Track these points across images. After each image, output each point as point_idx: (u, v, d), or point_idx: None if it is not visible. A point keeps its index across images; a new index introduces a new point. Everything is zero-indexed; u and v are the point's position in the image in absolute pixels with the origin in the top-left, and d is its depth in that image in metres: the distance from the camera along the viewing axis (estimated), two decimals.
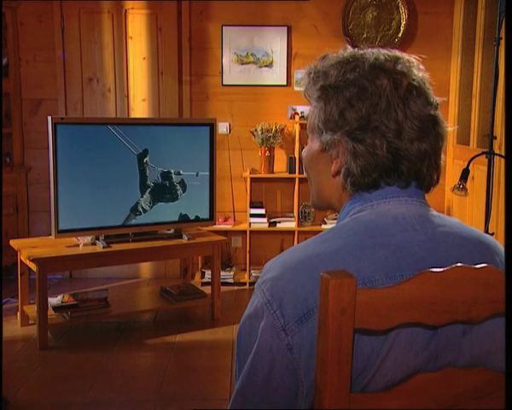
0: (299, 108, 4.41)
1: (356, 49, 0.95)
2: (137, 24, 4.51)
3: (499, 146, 3.47)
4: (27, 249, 3.42)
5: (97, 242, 3.54)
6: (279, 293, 0.82)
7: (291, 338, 0.81)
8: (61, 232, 3.44)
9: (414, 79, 0.90)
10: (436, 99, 0.93)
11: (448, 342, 0.83)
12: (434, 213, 0.93)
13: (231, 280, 4.45)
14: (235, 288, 4.44)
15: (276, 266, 0.86)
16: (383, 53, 0.93)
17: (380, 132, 0.88)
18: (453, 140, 4.41)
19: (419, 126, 0.88)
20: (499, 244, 0.95)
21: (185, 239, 3.74)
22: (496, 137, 3.42)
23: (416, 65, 0.93)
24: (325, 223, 4.54)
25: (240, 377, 0.86)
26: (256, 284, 0.87)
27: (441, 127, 0.92)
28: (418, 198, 0.93)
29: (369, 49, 0.94)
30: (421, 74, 0.93)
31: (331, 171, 0.94)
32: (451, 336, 0.83)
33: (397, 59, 0.92)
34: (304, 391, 0.82)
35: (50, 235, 3.50)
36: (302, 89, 0.99)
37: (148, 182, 3.67)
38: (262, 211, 4.49)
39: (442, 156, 0.95)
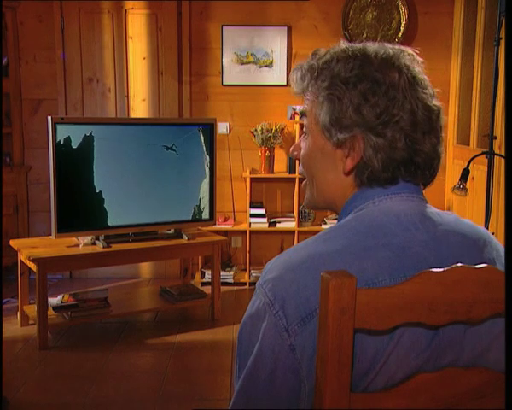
0: (299, 108, 4.41)
1: (351, 44, 0.94)
2: (137, 24, 4.50)
3: (499, 146, 3.47)
4: (27, 249, 3.42)
5: (97, 242, 3.54)
6: (281, 293, 0.81)
7: (294, 339, 0.80)
8: (61, 232, 3.44)
9: (417, 72, 0.91)
10: (434, 90, 0.94)
11: (450, 342, 0.83)
12: (433, 209, 0.93)
13: (231, 280, 4.45)
14: (235, 288, 4.44)
15: (278, 265, 0.85)
16: (387, 46, 0.93)
17: (399, 126, 0.87)
18: (453, 140, 4.41)
19: (428, 117, 0.89)
20: (494, 238, 0.95)
21: (185, 239, 3.73)
22: (496, 137, 3.42)
23: (415, 58, 0.94)
24: (325, 223, 4.54)
25: (241, 378, 0.86)
26: (257, 284, 0.86)
27: (442, 118, 0.94)
28: (417, 194, 0.93)
29: (366, 43, 0.93)
30: (421, 68, 0.93)
31: (344, 168, 0.91)
32: (453, 336, 0.83)
33: (401, 52, 0.92)
34: (306, 392, 0.82)
35: (50, 235, 3.50)
36: (299, 87, 0.95)
37: (148, 180, 3.68)
38: (262, 211, 4.49)
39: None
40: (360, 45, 0.93)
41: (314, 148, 0.95)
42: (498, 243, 0.94)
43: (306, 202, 1.02)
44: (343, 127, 0.89)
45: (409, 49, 0.94)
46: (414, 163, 0.90)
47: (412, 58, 0.93)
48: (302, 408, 0.83)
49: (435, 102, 0.92)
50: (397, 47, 0.93)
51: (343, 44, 0.94)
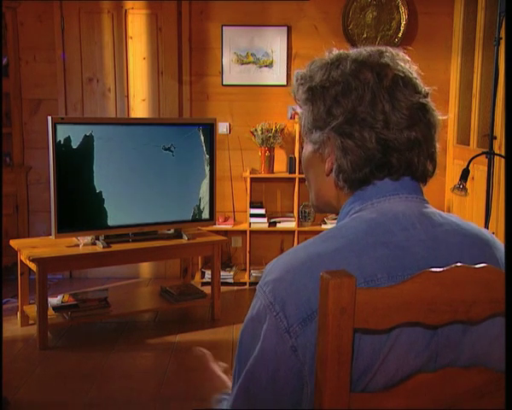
0: (299, 109, 4.40)
1: (342, 50, 0.95)
2: (137, 24, 4.50)
3: (499, 146, 3.47)
4: (27, 249, 3.42)
5: (97, 242, 3.54)
6: (281, 295, 0.82)
7: (295, 340, 0.80)
8: (61, 232, 3.44)
9: (399, 70, 0.90)
10: (425, 88, 0.93)
11: (448, 342, 0.83)
12: (433, 210, 0.93)
13: (231, 280, 4.45)
14: (235, 288, 4.44)
15: (278, 267, 0.85)
16: (368, 49, 0.93)
17: (367, 124, 0.87)
18: (453, 140, 4.41)
19: (407, 115, 0.88)
20: (497, 240, 0.95)
21: (185, 239, 3.73)
22: (496, 137, 3.42)
23: (401, 57, 0.93)
24: (325, 223, 4.54)
25: (241, 378, 0.85)
26: (257, 287, 0.86)
27: (432, 115, 0.92)
28: (417, 195, 0.92)
29: (355, 49, 0.95)
30: (407, 65, 0.93)
31: (325, 170, 0.94)
32: (452, 336, 0.83)
33: (380, 52, 0.92)
34: (309, 392, 0.82)
35: (50, 235, 3.50)
36: (292, 94, 1.00)
37: (148, 180, 3.67)
38: (262, 211, 4.49)
39: (437, 146, 0.94)
40: (346, 52, 0.94)
41: (305, 155, 0.99)
42: (502, 246, 0.94)
43: (311, 205, 1.05)
44: (317, 128, 0.93)
45: (391, 49, 0.94)
46: (388, 164, 0.89)
47: (392, 57, 0.92)
48: (304, 408, 0.83)
49: (420, 99, 0.90)
50: (378, 47, 0.93)
51: (335, 51, 0.96)
